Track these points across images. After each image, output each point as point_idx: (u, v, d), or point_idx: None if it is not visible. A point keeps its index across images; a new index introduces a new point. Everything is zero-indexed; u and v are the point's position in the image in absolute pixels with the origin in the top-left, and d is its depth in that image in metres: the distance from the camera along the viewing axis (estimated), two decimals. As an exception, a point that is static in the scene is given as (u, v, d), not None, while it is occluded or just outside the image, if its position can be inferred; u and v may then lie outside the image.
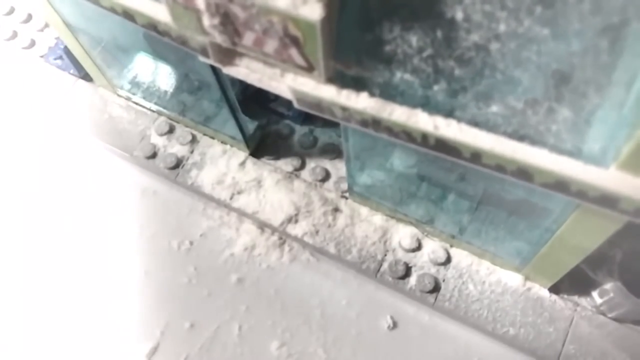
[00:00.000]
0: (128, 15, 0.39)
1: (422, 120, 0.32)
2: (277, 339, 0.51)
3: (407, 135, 0.33)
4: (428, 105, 0.33)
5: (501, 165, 0.32)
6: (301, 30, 0.30)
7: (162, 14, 0.36)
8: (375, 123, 0.34)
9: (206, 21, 0.33)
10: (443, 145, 0.33)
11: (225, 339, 0.51)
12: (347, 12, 0.32)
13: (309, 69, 0.33)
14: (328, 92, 0.34)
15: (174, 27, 0.36)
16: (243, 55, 0.36)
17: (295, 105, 0.36)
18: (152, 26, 0.38)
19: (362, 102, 0.33)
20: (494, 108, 0.32)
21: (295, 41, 0.31)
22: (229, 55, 0.36)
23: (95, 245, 0.57)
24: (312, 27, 0.29)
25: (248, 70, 0.36)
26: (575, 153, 0.31)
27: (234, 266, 0.54)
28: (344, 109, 0.34)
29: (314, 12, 0.29)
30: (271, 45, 0.32)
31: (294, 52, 0.32)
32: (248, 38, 0.33)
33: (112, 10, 0.39)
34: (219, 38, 0.34)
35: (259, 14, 0.30)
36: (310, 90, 0.34)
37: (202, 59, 0.38)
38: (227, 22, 0.32)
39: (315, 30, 0.29)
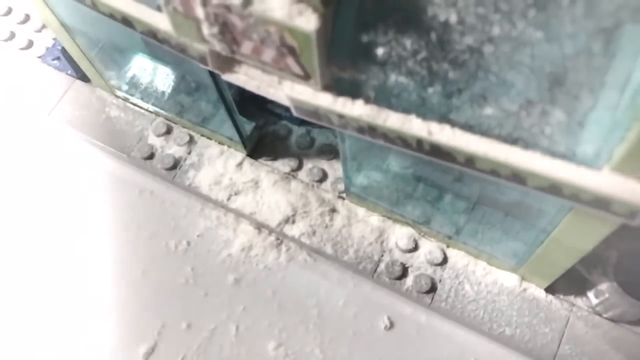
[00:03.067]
0: (127, 22, 0.39)
1: (417, 126, 0.32)
2: (274, 339, 0.51)
3: (403, 141, 0.34)
4: (423, 107, 0.34)
5: (495, 170, 0.32)
6: (297, 40, 0.30)
7: (161, 22, 0.37)
8: (371, 130, 0.34)
9: (205, 30, 0.33)
10: (438, 151, 0.33)
11: (223, 339, 0.51)
12: (343, 15, 0.32)
13: (305, 77, 0.33)
14: (325, 100, 0.34)
15: (174, 36, 0.36)
16: (242, 62, 0.36)
17: (294, 113, 0.37)
18: (151, 34, 0.39)
19: (357, 109, 0.33)
20: (488, 110, 0.32)
21: (291, 50, 0.31)
22: (228, 62, 0.37)
23: (93, 245, 0.57)
24: (308, 37, 0.30)
25: (247, 78, 0.37)
26: (568, 155, 0.31)
27: (231, 266, 0.54)
28: (341, 116, 0.34)
29: (309, 22, 0.29)
30: (269, 54, 0.33)
31: (290, 61, 0.32)
32: (246, 47, 0.33)
33: (111, 16, 0.40)
34: (218, 46, 0.34)
35: (256, 24, 0.31)
36: (307, 98, 0.35)
37: (201, 66, 0.38)
38: (226, 31, 0.33)
39: (310, 41, 0.30)
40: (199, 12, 0.32)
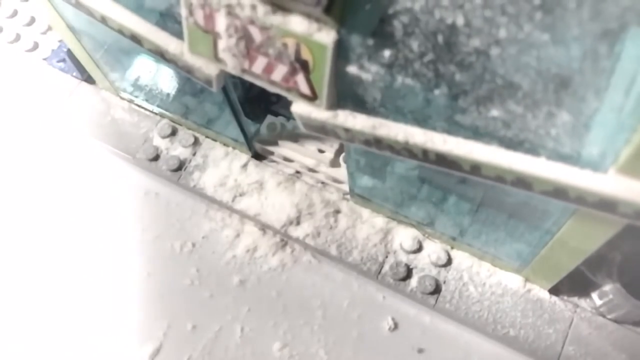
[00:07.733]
0: (135, 39, 0.40)
1: (422, 138, 0.33)
2: (279, 340, 0.51)
3: (409, 152, 0.34)
4: (429, 109, 0.34)
5: (500, 176, 0.33)
6: (313, 53, 0.31)
7: (171, 44, 0.38)
8: (377, 142, 0.35)
9: (222, 44, 0.34)
10: (443, 160, 0.34)
11: (228, 340, 0.52)
12: (349, 16, 0.32)
13: (312, 97, 0.34)
14: (331, 116, 0.35)
15: (181, 57, 0.37)
16: None
17: (302, 129, 0.37)
18: (159, 53, 0.39)
19: (363, 123, 0.34)
20: (494, 112, 0.32)
21: (304, 66, 0.32)
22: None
23: (98, 247, 0.57)
24: (325, 50, 0.31)
25: None
26: (574, 157, 0.31)
27: (236, 268, 0.55)
28: (347, 130, 0.35)
29: (329, 36, 0.31)
30: (279, 72, 0.34)
31: (300, 79, 0.33)
32: (258, 64, 0.34)
33: (120, 32, 0.40)
34: (231, 63, 0.35)
35: (275, 36, 0.32)
36: (314, 114, 0.36)
37: (208, 88, 0.39)
38: (242, 45, 0.34)
39: (326, 53, 0.31)
40: (221, 23, 0.33)
